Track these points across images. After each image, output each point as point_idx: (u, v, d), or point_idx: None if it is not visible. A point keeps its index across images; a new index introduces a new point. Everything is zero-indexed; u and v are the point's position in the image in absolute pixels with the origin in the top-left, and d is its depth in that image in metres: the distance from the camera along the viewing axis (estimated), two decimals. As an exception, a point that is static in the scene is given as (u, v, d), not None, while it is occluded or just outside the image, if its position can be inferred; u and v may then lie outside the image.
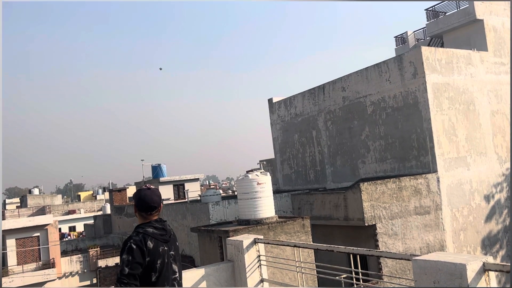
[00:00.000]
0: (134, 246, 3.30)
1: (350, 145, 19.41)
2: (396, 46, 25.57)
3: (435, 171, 15.81)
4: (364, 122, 18.61)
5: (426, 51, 16.29)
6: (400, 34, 25.31)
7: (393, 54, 25.33)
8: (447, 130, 16.26)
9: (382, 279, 13.21)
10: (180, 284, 3.57)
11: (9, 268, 30.87)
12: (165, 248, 3.46)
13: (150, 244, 3.34)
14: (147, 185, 3.72)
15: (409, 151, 16.77)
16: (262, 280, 5.48)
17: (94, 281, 30.61)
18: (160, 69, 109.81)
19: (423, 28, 23.33)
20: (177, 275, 3.53)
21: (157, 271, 3.34)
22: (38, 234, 32.38)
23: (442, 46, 21.36)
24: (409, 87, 16.61)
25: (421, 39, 24.29)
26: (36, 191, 60.35)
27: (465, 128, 16.81)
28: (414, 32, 24.79)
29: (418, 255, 3.62)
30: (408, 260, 3.71)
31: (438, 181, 15.76)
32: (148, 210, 3.52)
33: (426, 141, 16.12)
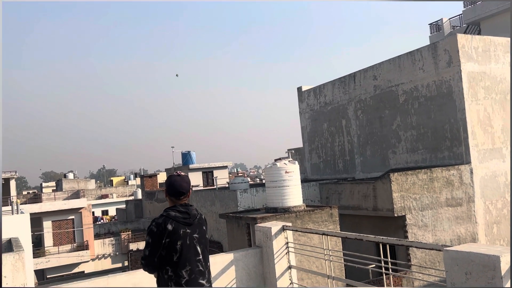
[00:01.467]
0: (155, 229, 3.59)
1: (381, 135, 19.14)
2: (431, 33, 24.89)
3: (469, 162, 15.43)
4: (395, 111, 18.29)
5: (462, 38, 15.80)
6: (435, 21, 24.60)
7: (427, 42, 24.68)
8: (482, 120, 15.80)
9: (411, 270, 13.08)
10: (204, 266, 3.69)
11: (45, 249, 32.12)
12: (187, 230, 3.64)
13: (169, 226, 3.57)
14: (178, 172, 3.92)
15: (442, 141, 16.40)
16: (290, 267, 5.53)
17: (126, 263, 31.48)
18: (177, 75, 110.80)
19: (459, 15, 22.62)
20: (201, 256, 3.67)
21: (177, 251, 3.54)
22: (72, 217, 33.50)
23: (479, 33, 20.68)
24: (443, 76, 16.19)
25: (457, 26, 23.57)
26: (70, 176, 62.27)
27: (501, 118, 16.29)
28: (449, 19, 24.05)
29: (449, 246, 3.58)
30: (439, 250, 3.67)
31: (472, 172, 15.38)
32: (177, 195, 3.76)
33: (459, 131, 15.72)
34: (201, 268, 3.64)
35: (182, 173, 3.87)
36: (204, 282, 3.64)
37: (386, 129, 18.82)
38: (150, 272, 3.65)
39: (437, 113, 16.54)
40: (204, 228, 3.84)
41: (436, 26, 24.29)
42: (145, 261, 3.57)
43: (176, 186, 3.74)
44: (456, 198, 15.07)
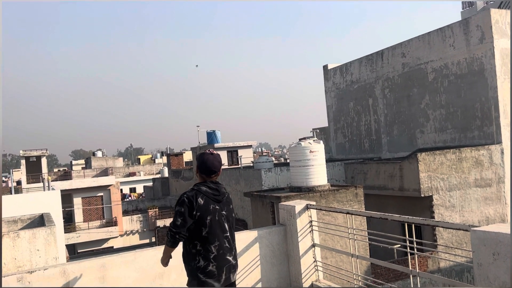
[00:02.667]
0: (186, 200, 3.61)
1: (408, 114, 18.76)
2: (463, 9, 24.00)
3: (499, 142, 15.00)
4: (424, 90, 17.86)
5: (495, 13, 15.17)
6: (468, -4, 23.69)
7: (459, 18, 23.82)
8: (510, 98, 15.27)
9: (437, 250, 12.95)
10: (231, 243, 3.74)
11: (76, 224, 33.19)
12: (217, 207, 3.68)
13: (200, 200, 3.61)
14: (210, 150, 3.95)
15: (472, 121, 15.97)
16: (313, 245, 5.54)
17: (153, 239, 32.30)
18: (196, 66, 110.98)
19: (493, -11, 21.66)
20: (228, 233, 3.72)
21: (207, 226, 3.58)
22: (101, 194, 34.40)
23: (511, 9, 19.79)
24: (474, 53, 15.65)
25: (490, 1, 22.62)
26: (99, 154, 63.65)
27: (535, 97, 15.70)
28: (483, -7, 23.10)
29: (477, 226, 3.51)
30: (466, 231, 3.60)
31: (502, 152, 14.96)
32: (209, 173, 3.77)
33: (491, 110, 15.25)
34: (227, 245, 3.69)
35: (215, 152, 3.89)
36: (231, 258, 3.70)
37: (414, 108, 18.43)
38: (179, 240, 3.61)
39: (467, 92, 16.06)
40: (231, 206, 3.90)
41: (468, 2, 23.40)
42: (177, 229, 3.53)
43: (208, 164, 3.76)
44: (486, 178, 14.73)
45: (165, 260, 3.82)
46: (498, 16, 15.14)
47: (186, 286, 3.69)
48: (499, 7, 20.28)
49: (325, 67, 24.31)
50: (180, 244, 3.72)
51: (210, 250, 3.57)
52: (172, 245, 3.65)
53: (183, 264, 3.73)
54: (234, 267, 3.75)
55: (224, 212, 3.74)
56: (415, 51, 18.10)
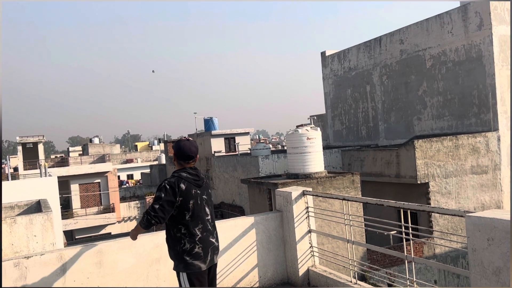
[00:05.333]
0: (168, 186, 3.67)
1: (406, 101, 18.75)
2: (462, -5, 23.82)
3: (496, 129, 15.03)
4: (422, 77, 17.82)
5: None
6: (467, -18, 23.49)
7: (458, 4, 23.67)
8: (509, 86, 15.25)
9: (433, 236, 13.05)
10: (212, 225, 3.86)
11: (73, 211, 33.26)
12: (198, 191, 3.76)
13: (182, 186, 3.68)
14: (186, 136, 4.05)
15: (469, 108, 15.97)
16: (310, 231, 5.57)
17: (150, 226, 32.34)
18: (153, 71, 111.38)
19: (493, -25, 21.47)
20: (209, 217, 3.83)
21: (190, 210, 3.66)
22: (99, 180, 34.41)
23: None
24: (473, 39, 15.59)
25: (490, -13, 22.46)
26: (96, 140, 63.50)
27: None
28: (482, -21, 22.92)
29: (472, 212, 3.52)
30: (461, 216, 3.61)
31: (499, 140, 15.00)
32: (186, 159, 3.83)
33: (488, 97, 15.25)
34: (210, 227, 3.80)
35: (190, 138, 3.96)
36: (214, 240, 3.82)
37: (411, 95, 18.41)
38: (153, 225, 3.66)
39: (465, 79, 16.04)
40: (210, 191, 4.00)
41: (467, -13, 23.24)
42: (155, 213, 3.59)
43: (185, 150, 3.81)
44: (482, 165, 14.79)
45: (135, 236, 4.00)
46: (497, 3, 15.05)
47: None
48: (498, -6, 20.14)
49: (323, 53, 24.19)
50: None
51: (195, 233, 3.67)
52: (145, 227, 3.71)
53: None
54: (217, 248, 3.87)
55: (204, 197, 3.82)
56: (413, 37, 18.02)
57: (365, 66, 20.85)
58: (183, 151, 3.81)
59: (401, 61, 18.79)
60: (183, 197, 3.64)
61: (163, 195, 3.62)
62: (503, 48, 15.04)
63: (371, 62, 20.44)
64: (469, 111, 15.99)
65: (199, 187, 3.79)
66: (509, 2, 15.13)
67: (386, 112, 19.91)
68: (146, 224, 3.67)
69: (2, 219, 7.67)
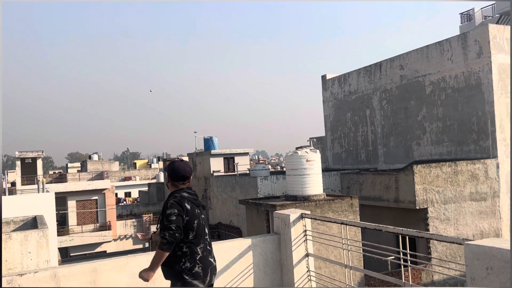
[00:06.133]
0: (177, 204, 3.65)
1: (405, 126, 18.82)
2: (461, 23, 24.17)
3: (495, 156, 15.05)
4: (421, 102, 17.93)
5: (493, 29, 15.30)
6: (466, 11, 23.87)
7: (457, 32, 24.00)
8: (510, 114, 15.34)
9: (431, 263, 12.92)
10: (210, 245, 3.88)
11: (69, 227, 32.98)
12: (199, 211, 3.79)
13: (187, 205, 3.69)
14: (179, 157, 4.25)
15: (468, 134, 16.03)
16: (307, 255, 5.52)
17: (147, 245, 32.11)
18: (151, 91, 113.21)
19: (492, 5, 21.87)
20: (208, 236, 3.87)
21: (194, 230, 3.68)
22: (96, 197, 34.23)
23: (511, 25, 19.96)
24: (472, 67, 15.75)
25: (489, 17, 22.82)
26: (95, 157, 63.34)
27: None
28: (481, 9, 23.28)
29: (471, 240, 3.50)
30: (460, 244, 3.59)
31: (498, 167, 15.00)
32: (181, 179, 3.83)
33: (487, 124, 15.32)
34: (209, 247, 3.84)
35: (184, 159, 4.05)
36: (212, 260, 3.84)
37: (411, 120, 18.49)
38: (175, 238, 3.53)
39: (464, 105, 16.15)
40: (204, 210, 4.05)
41: (467, 16, 23.57)
42: (177, 229, 3.52)
43: (180, 170, 3.82)
44: (481, 192, 14.75)
45: (154, 271, 3.64)
46: (496, 32, 15.27)
47: None
48: (497, 23, 20.45)
49: (323, 77, 24.40)
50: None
51: (196, 252, 3.67)
52: (169, 248, 3.53)
53: None
54: (216, 269, 3.89)
55: (203, 216, 3.85)
56: (413, 63, 18.21)
57: (365, 90, 21.01)
58: (178, 171, 3.81)
59: (401, 86, 18.94)
60: (189, 216, 3.65)
61: (177, 211, 3.59)
62: (502, 76, 15.19)
63: (371, 86, 20.60)
64: (468, 137, 16.05)
65: (199, 207, 3.82)
66: (508, 32, 15.36)
67: (385, 136, 19.97)
68: (171, 240, 3.51)
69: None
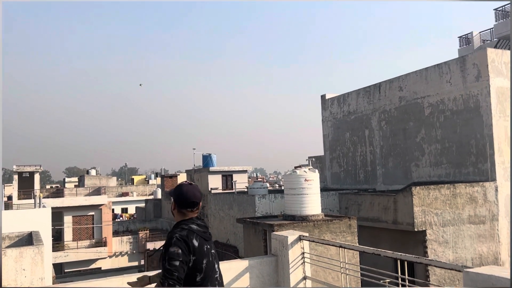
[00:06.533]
0: (181, 240, 3.12)
1: (404, 147, 18.86)
2: (460, 46, 24.44)
3: (494, 179, 15.05)
4: (420, 124, 18.00)
5: (492, 53, 15.47)
6: (465, 35, 24.17)
7: (456, 55, 24.25)
8: (509, 137, 15.40)
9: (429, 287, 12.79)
10: (221, 284, 3.41)
11: (65, 243, 32.69)
12: (208, 246, 3.29)
13: (195, 242, 3.16)
14: (187, 180, 3.51)
15: (467, 157, 16.05)
16: (305, 277, 5.47)
17: (142, 262, 31.79)
18: (140, 85, 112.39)
19: (490, 29, 22.16)
20: (218, 274, 3.39)
21: (202, 271, 3.18)
22: (93, 213, 34.02)
23: (510, 48, 20.19)
24: (471, 90, 15.87)
25: (487, 40, 23.08)
26: (93, 172, 63.27)
27: (530, 136, 15.84)
28: (480, 32, 23.57)
29: (470, 267, 3.48)
30: (459, 271, 3.57)
31: (497, 190, 14.99)
32: (190, 206, 3.31)
33: (485, 147, 15.36)
34: (218, 286, 3.37)
35: (193, 183, 3.46)
36: None
37: (410, 141, 18.54)
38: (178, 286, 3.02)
39: (463, 128, 16.21)
40: (212, 241, 3.51)
41: (465, 40, 23.87)
42: (178, 273, 2.98)
43: (189, 195, 3.29)
44: (479, 215, 14.70)
45: None
46: (495, 55, 15.43)
47: None
48: (495, 47, 20.68)
49: (323, 96, 24.54)
50: None
51: None
52: None
53: None
54: None
55: (213, 251, 3.37)
56: (412, 85, 18.34)
57: (364, 110, 21.11)
58: (186, 197, 3.28)
59: (400, 108, 19.04)
60: (196, 255, 3.13)
61: (180, 250, 3.04)
62: (500, 99, 15.29)
63: (370, 107, 20.71)
64: (466, 160, 16.07)
65: (208, 241, 3.30)
66: (507, 56, 15.52)
67: (384, 157, 19.99)
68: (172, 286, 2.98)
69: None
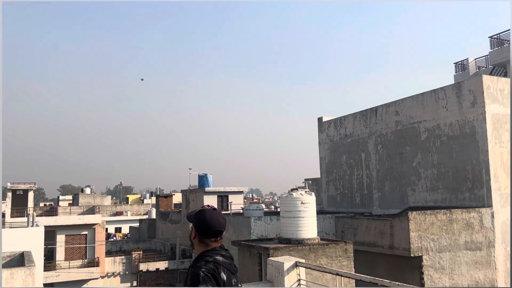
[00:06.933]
0: (209, 276, 2.74)
1: (400, 171, 18.87)
2: (456, 72, 24.74)
3: (490, 205, 15.03)
4: (416, 148, 18.06)
5: (487, 80, 15.65)
6: (461, 61, 24.50)
7: (452, 81, 24.54)
8: (505, 163, 15.45)
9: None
10: None
11: (56, 262, 32.20)
12: (235, 280, 2.96)
13: (223, 275, 2.81)
14: (210, 205, 3.14)
15: (463, 182, 16.06)
16: (300, 305, 5.39)
17: (135, 283, 31.32)
18: (142, 79, 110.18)
19: (485, 56, 22.48)
20: None
21: None
22: (86, 232, 33.64)
23: (505, 75, 20.47)
24: (466, 116, 15.99)
25: (482, 67, 23.38)
26: (87, 190, 62.80)
27: (526, 163, 15.90)
28: (475, 59, 23.90)
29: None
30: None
31: (493, 216, 14.95)
32: (214, 235, 2.95)
33: (481, 173, 15.39)
34: None
35: (215, 207, 3.11)
36: None
37: (406, 165, 18.56)
38: None
39: (459, 153, 16.26)
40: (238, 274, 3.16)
41: (461, 66, 24.18)
42: None
43: (213, 223, 2.92)
44: (476, 242, 14.63)
45: None
46: (490, 82, 15.61)
47: None
48: (490, 74, 20.94)
49: (319, 119, 24.65)
50: None
51: None
52: None
53: None
54: None
55: (240, 285, 3.04)
56: (409, 110, 18.47)
57: (361, 134, 21.19)
58: (210, 225, 2.91)
59: (396, 132, 19.13)
60: None
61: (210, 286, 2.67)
62: (496, 126, 15.40)
63: (367, 130, 20.79)
64: (463, 185, 16.07)
65: (235, 274, 2.97)
66: (502, 83, 15.71)
67: (380, 180, 19.97)
68: None
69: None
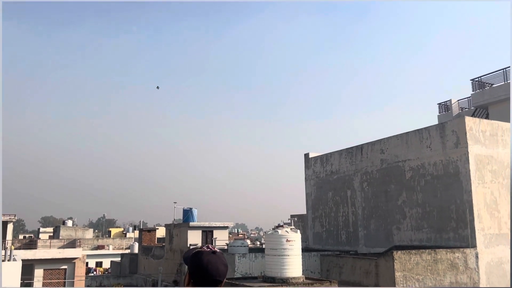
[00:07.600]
0: None
1: (386, 209, 18.91)
2: (439, 113, 25.30)
3: (474, 246, 15.07)
4: (401, 187, 18.19)
5: (470, 121, 16.02)
6: (444, 102, 25.13)
7: (435, 121, 25.04)
8: (488, 204, 15.62)
9: None
10: None
11: (33, 298, 31.08)
12: None
13: None
14: (209, 245, 2.61)
15: (447, 222, 16.14)
16: None
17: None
18: (157, 87, 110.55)
19: (467, 98, 23.11)
20: None
21: None
22: (65, 266, 32.70)
23: (487, 117, 20.99)
24: (450, 156, 16.25)
25: (465, 108, 23.99)
26: (69, 223, 61.42)
27: (508, 204, 16.10)
28: (458, 100, 24.54)
29: None
30: None
31: (477, 257, 14.97)
32: (211, 284, 2.42)
33: (465, 213, 15.50)
34: None
35: (216, 249, 2.54)
36: None
37: (391, 204, 18.63)
38: None
39: (443, 193, 16.41)
40: None
41: (444, 106, 24.80)
42: None
43: (211, 271, 2.41)
44: (461, 282, 14.56)
45: None
46: (472, 124, 15.97)
47: None
48: (473, 115, 21.47)
49: (306, 155, 24.79)
50: None
51: None
52: None
53: None
54: None
55: None
56: (394, 148, 18.71)
57: (347, 171, 21.32)
58: (206, 272, 2.41)
59: (381, 170, 19.29)
60: None
61: None
62: (478, 166, 15.65)
63: (353, 168, 20.94)
64: (447, 225, 16.14)
65: None
66: (484, 125, 16.09)
67: (366, 218, 19.96)
68: None
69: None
